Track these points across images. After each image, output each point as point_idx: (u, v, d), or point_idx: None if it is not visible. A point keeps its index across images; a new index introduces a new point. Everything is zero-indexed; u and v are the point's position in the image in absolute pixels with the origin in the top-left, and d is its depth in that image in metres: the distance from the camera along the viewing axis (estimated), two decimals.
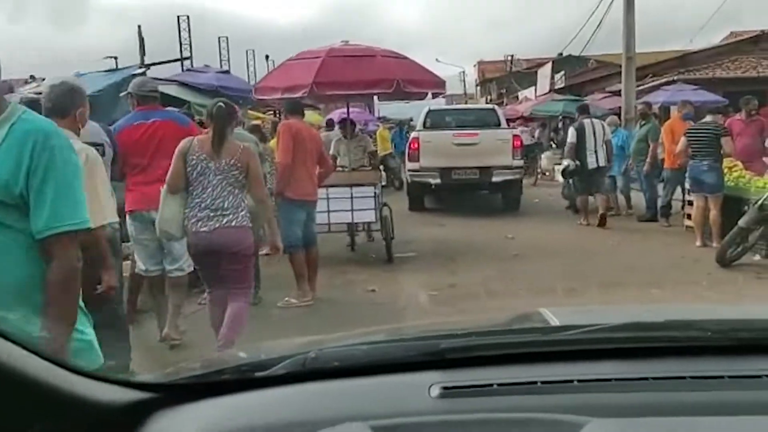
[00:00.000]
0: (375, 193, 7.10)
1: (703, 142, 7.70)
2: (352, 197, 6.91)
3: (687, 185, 8.59)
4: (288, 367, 1.14)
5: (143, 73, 10.93)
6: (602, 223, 9.55)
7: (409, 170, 11.76)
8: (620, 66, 16.77)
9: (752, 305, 4.09)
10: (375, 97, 13.81)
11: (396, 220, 7.87)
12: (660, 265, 7.15)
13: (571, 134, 10.10)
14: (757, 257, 7.04)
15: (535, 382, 1.07)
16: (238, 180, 4.09)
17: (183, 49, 29.66)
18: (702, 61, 20.17)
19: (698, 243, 7.87)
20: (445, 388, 1.07)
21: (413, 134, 12.30)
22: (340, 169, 8.17)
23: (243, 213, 4.13)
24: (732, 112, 10.98)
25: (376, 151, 9.34)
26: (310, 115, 21.84)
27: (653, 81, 19.08)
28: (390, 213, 7.53)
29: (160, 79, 12.63)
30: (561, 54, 28.99)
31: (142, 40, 15.51)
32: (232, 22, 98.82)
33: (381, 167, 12.04)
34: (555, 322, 1.37)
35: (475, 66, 48.37)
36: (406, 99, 8.44)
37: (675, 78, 17.88)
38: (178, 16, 30.47)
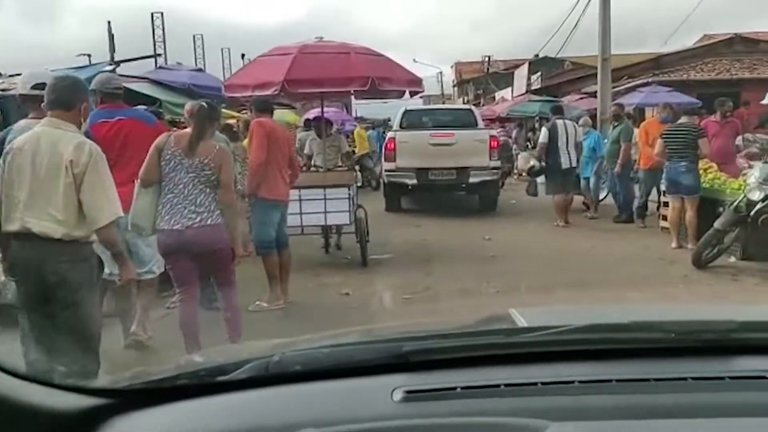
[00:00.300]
0: (349, 194, 6.93)
1: (680, 143, 7.68)
2: (325, 198, 6.72)
3: (663, 186, 8.60)
4: (250, 371, 1.12)
5: (113, 70, 10.66)
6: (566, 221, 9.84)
7: (385, 170, 11.68)
8: (596, 68, 16.88)
9: (722, 305, 4.18)
10: (352, 97, 13.69)
11: (372, 220, 7.76)
12: (636, 267, 7.12)
13: (543, 134, 10.18)
14: (733, 259, 7.04)
15: (499, 385, 1.06)
16: (210, 180, 4.06)
17: (157, 46, 29.33)
18: (676, 63, 20.41)
19: (674, 244, 7.86)
20: (408, 391, 1.05)
21: (389, 134, 12.20)
22: (314, 169, 8.02)
23: (218, 212, 4.09)
24: (705, 114, 11.08)
25: (352, 151, 9.12)
26: (287, 114, 21.64)
27: (628, 82, 19.21)
28: (365, 215, 7.36)
29: (132, 77, 12.40)
30: (537, 55, 29.13)
31: (111, 36, 15.12)
32: (208, 22, 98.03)
33: (357, 167, 11.87)
34: (523, 323, 1.36)
35: (452, 67, 48.46)
36: (382, 98, 8.28)
37: (650, 80, 18.01)
38: (152, 13, 30.13)
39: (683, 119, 8.03)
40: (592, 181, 10.68)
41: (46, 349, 3.27)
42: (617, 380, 1.07)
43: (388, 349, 1.18)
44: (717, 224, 6.62)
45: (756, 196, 6.28)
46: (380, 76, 6.67)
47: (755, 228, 6.47)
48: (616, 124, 10.39)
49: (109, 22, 16.12)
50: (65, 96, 3.31)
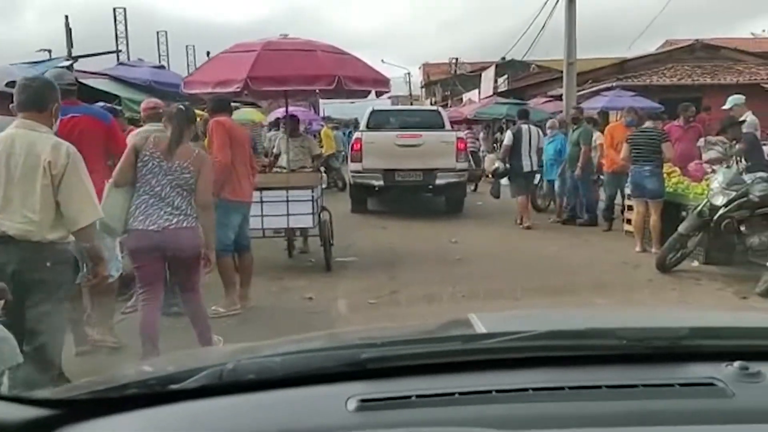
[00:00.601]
0: (313, 196, 6.72)
1: (645, 147, 7.71)
2: (288, 200, 6.51)
3: (628, 190, 8.65)
4: (203, 379, 1.09)
5: (70, 66, 10.35)
6: (521, 221, 9.99)
7: (351, 171, 11.54)
8: (561, 71, 16.95)
9: (678, 311, 3.94)
10: (319, 97, 13.53)
11: (337, 222, 7.63)
12: (601, 271, 7.13)
13: (508, 137, 10.32)
14: (696, 263, 7.09)
15: (454, 394, 1.05)
16: (188, 183, 4.07)
17: (119, 42, 28.74)
18: (640, 67, 20.69)
19: (638, 248, 7.89)
20: (363, 400, 1.03)
21: (356, 134, 12.08)
22: (278, 169, 7.82)
23: (194, 216, 4.10)
24: (667, 119, 11.22)
25: (321, 153, 8.88)
26: (252, 113, 21.26)
27: (593, 86, 19.40)
28: (330, 218, 7.18)
29: (91, 73, 12.07)
30: (504, 58, 29.27)
31: (69, 31, 14.53)
32: (173, 19, 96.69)
33: (323, 168, 11.68)
34: (482, 328, 1.36)
35: (420, 68, 48.55)
36: (349, 97, 8.10)
37: (614, 84, 18.20)
38: (114, 8, 29.42)
39: (648, 124, 8.07)
40: (557, 184, 10.70)
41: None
42: (570, 387, 1.07)
43: (345, 356, 1.17)
44: (681, 229, 6.64)
45: (719, 201, 6.31)
46: (347, 75, 6.51)
47: (718, 232, 6.50)
48: (575, 127, 10.45)
49: (66, 17, 15.50)
50: (37, 97, 3.27)
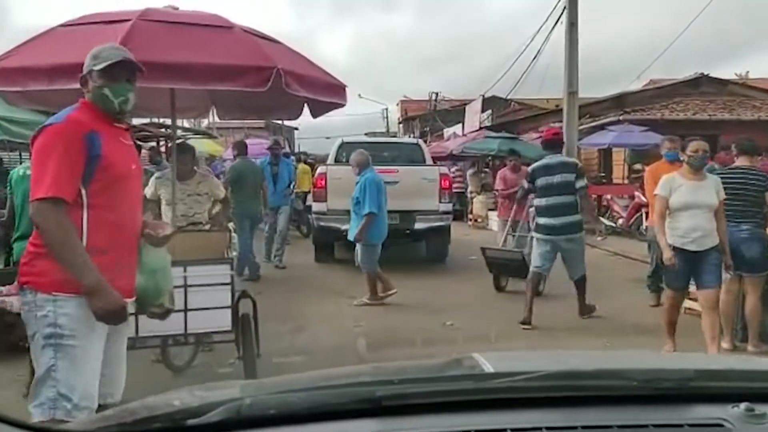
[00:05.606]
0: (232, 276, 3.92)
1: (741, 197, 5.21)
2: (186, 285, 3.68)
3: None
4: (222, 414, 1.09)
5: None
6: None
7: (315, 213, 9.72)
8: (542, 110, 14.97)
9: (683, 355, 3.69)
10: (296, 130, 10.55)
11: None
12: None
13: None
14: None
15: (470, 431, 1.05)
16: None
17: None
18: (639, 102, 19.03)
19: (726, 344, 5.29)
20: None
21: (320, 169, 10.13)
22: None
23: None
24: None
25: (227, 197, 5.64)
26: (206, 144, 18.62)
27: (591, 121, 17.31)
28: (254, 309, 4.25)
29: None
30: (484, 95, 27.66)
31: None
32: None
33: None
34: (489, 367, 1.33)
35: (398, 104, 46.90)
36: (290, 111, 5.02)
37: (620, 118, 16.07)
38: None
39: (741, 161, 5.53)
40: None
41: None
42: (582, 427, 1.07)
43: (361, 393, 1.17)
44: None
45: None
46: (288, 70, 3.73)
47: None
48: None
49: None
50: None
